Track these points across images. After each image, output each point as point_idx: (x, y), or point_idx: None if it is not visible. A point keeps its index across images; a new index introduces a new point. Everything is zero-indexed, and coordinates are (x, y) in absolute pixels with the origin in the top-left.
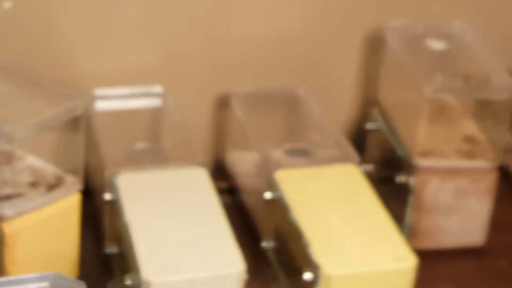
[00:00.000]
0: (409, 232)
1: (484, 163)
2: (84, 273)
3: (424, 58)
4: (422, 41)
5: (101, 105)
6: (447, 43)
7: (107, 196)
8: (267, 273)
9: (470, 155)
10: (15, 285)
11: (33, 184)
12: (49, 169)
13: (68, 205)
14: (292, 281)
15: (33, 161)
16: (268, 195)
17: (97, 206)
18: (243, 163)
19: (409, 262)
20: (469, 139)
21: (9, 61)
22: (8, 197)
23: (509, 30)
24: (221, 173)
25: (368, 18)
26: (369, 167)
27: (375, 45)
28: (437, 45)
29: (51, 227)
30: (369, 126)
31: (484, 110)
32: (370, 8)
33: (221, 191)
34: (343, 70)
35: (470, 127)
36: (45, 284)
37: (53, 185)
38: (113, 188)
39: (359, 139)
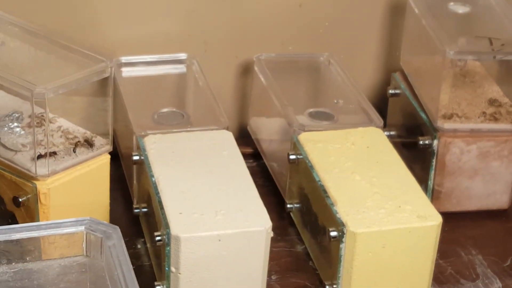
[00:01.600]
0: (432, 194)
1: (508, 126)
2: None
3: (447, 21)
4: (445, 5)
5: (128, 72)
6: (470, 6)
7: (135, 157)
8: (292, 233)
9: (494, 118)
10: (54, 228)
11: (65, 145)
12: (80, 131)
13: (98, 165)
14: (317, 241)
15: (64, 123)
16: (292, 156)
17: (125, 169)
18: (266, 128)
19: (434, 220)
20: (493, 102)
21: (40, 26)
22: (41, 157)
23: None
24: (245, 139)
25: None
26: (392, 131)
27: (397, 10)
28: (460, 8)
29: (82, 186)
30: (391, 90)
31: (508, 72)
32: None
33: (245, 156)
34: (365, 35)
35: (495, 90)
36: (81, 228)
37: (84, 146)
38: (141, 149)
39: (382, 104)
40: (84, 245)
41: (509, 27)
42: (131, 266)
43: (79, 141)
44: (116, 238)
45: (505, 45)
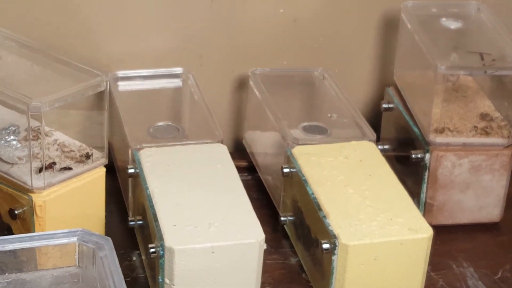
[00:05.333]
0: (425, 208)
1: (499, 140)
2: None
3: (439, 37)
4: (437, 20)
5: (124, 86)
6: (462, 22)
7: (131, 170)
8: (286, 246)
9: (485, 132)
10: (47, 239)
11: (61, 158)
12: (76, 144)
13: (94, 178)
14: (310, 253)
15: (60, 136)
16: (286, 169)
17: (121, 182)
18: (261, 141)
19: (425, 233)
20: (484, 116)
21: (37, 41)
22: (37, 170)
23: None
24: (240, 152)
25: None
26: (385, 145)
27: (391, 25)
28: (452, 24)
29: (78, 199)
30: (385, 105)
31: (500, 87)
32: None
33: (240, 169)
34: (359, 50)
35: (486, 104)
36: (74, 239)
37: (80, 159)
38: (136, 162)
39: (375, 118)
40: (76, 256)
41: (500, 42)
42: (123, 276)
43: (75, 155)
44: (108, 249)
45: (496, 60)
